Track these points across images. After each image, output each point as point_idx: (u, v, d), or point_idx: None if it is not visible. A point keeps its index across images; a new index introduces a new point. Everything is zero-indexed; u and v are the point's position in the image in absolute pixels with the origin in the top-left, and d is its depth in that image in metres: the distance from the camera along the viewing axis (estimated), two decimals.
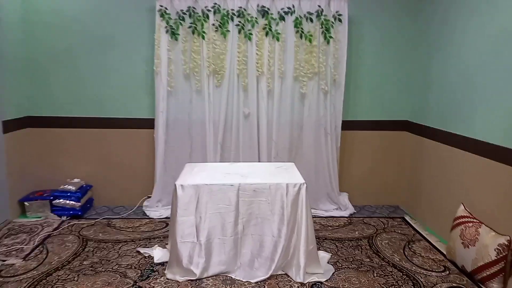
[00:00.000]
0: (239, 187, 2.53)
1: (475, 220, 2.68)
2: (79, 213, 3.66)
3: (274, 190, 2.54)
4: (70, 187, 3.67)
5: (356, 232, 3.39)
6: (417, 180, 3.73)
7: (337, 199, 3.87)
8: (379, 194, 4.11)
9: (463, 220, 2.77)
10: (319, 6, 3.55)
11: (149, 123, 3.78)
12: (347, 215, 3.78)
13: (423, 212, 3.60)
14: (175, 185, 2.52)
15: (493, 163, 2.63)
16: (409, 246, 3.13)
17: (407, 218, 3.75)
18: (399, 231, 3.43)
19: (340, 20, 3.57)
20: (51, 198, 3.65)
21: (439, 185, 3.33)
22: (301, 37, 3.59)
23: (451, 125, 3.16)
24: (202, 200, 2.52)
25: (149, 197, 3.88)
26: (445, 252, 2.95)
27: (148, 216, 3.72)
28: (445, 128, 3.25)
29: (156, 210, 3.74)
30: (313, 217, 3.66)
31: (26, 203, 3.63)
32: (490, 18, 2.72)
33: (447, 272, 2.70)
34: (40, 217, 3.61)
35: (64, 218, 3.62)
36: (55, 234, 3.30)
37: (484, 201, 2.74)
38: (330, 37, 3.57)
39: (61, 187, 3.69)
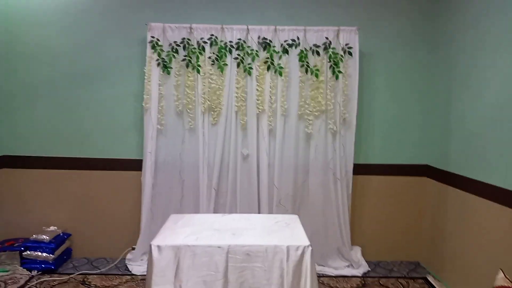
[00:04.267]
0: (228, 250, 2.06)
1: None
2: (52, 267, 3.20)
3: (272, 254, 2.07)
4: (43, 236, 3.24)
5: None
6: (441, 233, 3.22)
7: (348, 255, 3.35)
8: (397, 249, 3.58)
9: None
10: (327, 38, 3.21)
11: (136, 165, 3.38)
12: (360, 274, 3.25)
13: (449, 272, 3.06)
14: (150, 245, 2.07)
15: None
16: None
17: (430, 278, 3.20)
18: None
19: (350, 53, 3.22)
20: (22, 249, 3.22)
21: (468, 241, 2.82)
22: (306, 71, 3.23)
23: (480, 172, 2.70)
24: (183, 265, 2.05)
25: (133, 248, 3.41)
26: None
27: (130, 271, 3.24)
28: (472, 176, 2.79)
29: (140, 265, 3.26)
30: (321, 277, 3.18)
31: None
32: None
33: None
34: (7, 271, 3.16)
35: (34, 273, 3.17)
36: None
37: None
38: (339, 71, 3.20)
39: (33, 236, 3.26)
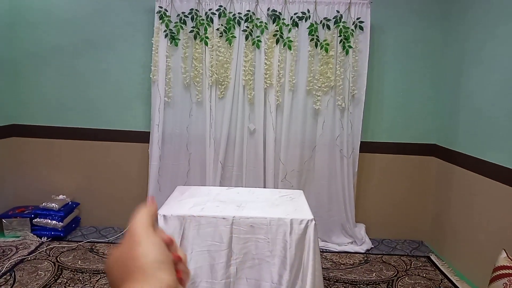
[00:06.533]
0: (233, 221, 2.09)
1: None
2: (61, 234, 3.28)
3: (276, 226, 2.09)
4: (53, 204, 3.30)
5: (374, 274, 2.90)
6: (445, 213, 3.22)
7: (352, 231, 3.38)
8: (401, 227, 3.59)
9: (507, 271, 2.26)
10: (338, 11, 3.14)
11: (144, 137, 3.40)
12: (363, 251, 3.28)
13: (452, 252, 3.08)
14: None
15: None
16: None
17: (432, 257, 3.23)
18: (424, 275, 2.92)
19: (361, 28, 3.14)
20: (32, 216, 3.30)
21: (472, 222, 2.82)
22: (316, 46, 3.17)
23: (487, 152, 2.67)
24: (188, 234, 2.09)
25: None
26: None
27: None
28: (479, 156, 2.76)
29: None
30: (324, 252, 3.23)
31: (4, 220, 3.27)
32: None
33: None
34: (18, 237, 3.25)
35: (44, 239, 3.25)
36: (29, 258, 2.92)
37: None
38: (350, 46, 3.14)
39: (43, 204, 3.32)
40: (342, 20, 3.14)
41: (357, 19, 3.14)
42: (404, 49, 3.36)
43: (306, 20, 3.16)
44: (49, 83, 3.40)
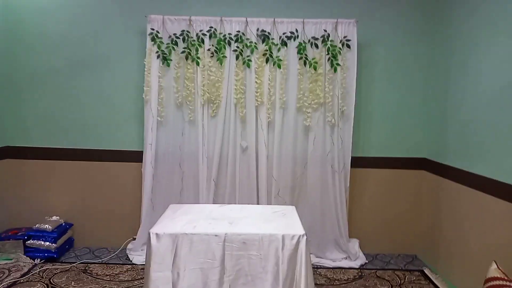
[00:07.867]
0: (225, 238, 2.11)
1: None
2: (55, 255, 3.26)
3: (268, 242, 2.11)
4: (46, 226, 3.29)
5: None
6: (438, 227, 3.25)
7: (346, 247, 3.39)
8: (394, 241, 3.61)
9: (497, 283, 2.27)
10: (325, 30, 3.23)
11: (137, 156, 3.43)
12: (357, 266, 3.29)
13: (445, 265, 3.10)
14: (149, 233, 2.11)
15: None
16: None
17: (426, 271, 3.24)
18: None
19: (348, 46, 3.23)
20: (25, 238, 3.28)
21: (464, 234, 2.85)
22: (305, 64, 3.25)
23: (477, 165, 2.72)
24: (180, 252, 2.10)
25: (134, 239, 3.47)
26: None
27: (131, 261, 3.30)
28: (469, 169, 2.81)
29: (140, 255, 3.31)
30: (318, 268, 3.23)
31: None
32: None
33: None
34: (11, 259, 3.22)
35: (37, 261, 3.23)
36: (22, 281, 2.90)
37: None
38: (337, 64, 3.22)
39: (36, 226, 3.31)
40: (330, 38, 3.22)
41: (344, 37, 3.23)
42: (391, 65, 3.45)
43: (294, 40, 3.25)
44: (43, 104, 3.44)
